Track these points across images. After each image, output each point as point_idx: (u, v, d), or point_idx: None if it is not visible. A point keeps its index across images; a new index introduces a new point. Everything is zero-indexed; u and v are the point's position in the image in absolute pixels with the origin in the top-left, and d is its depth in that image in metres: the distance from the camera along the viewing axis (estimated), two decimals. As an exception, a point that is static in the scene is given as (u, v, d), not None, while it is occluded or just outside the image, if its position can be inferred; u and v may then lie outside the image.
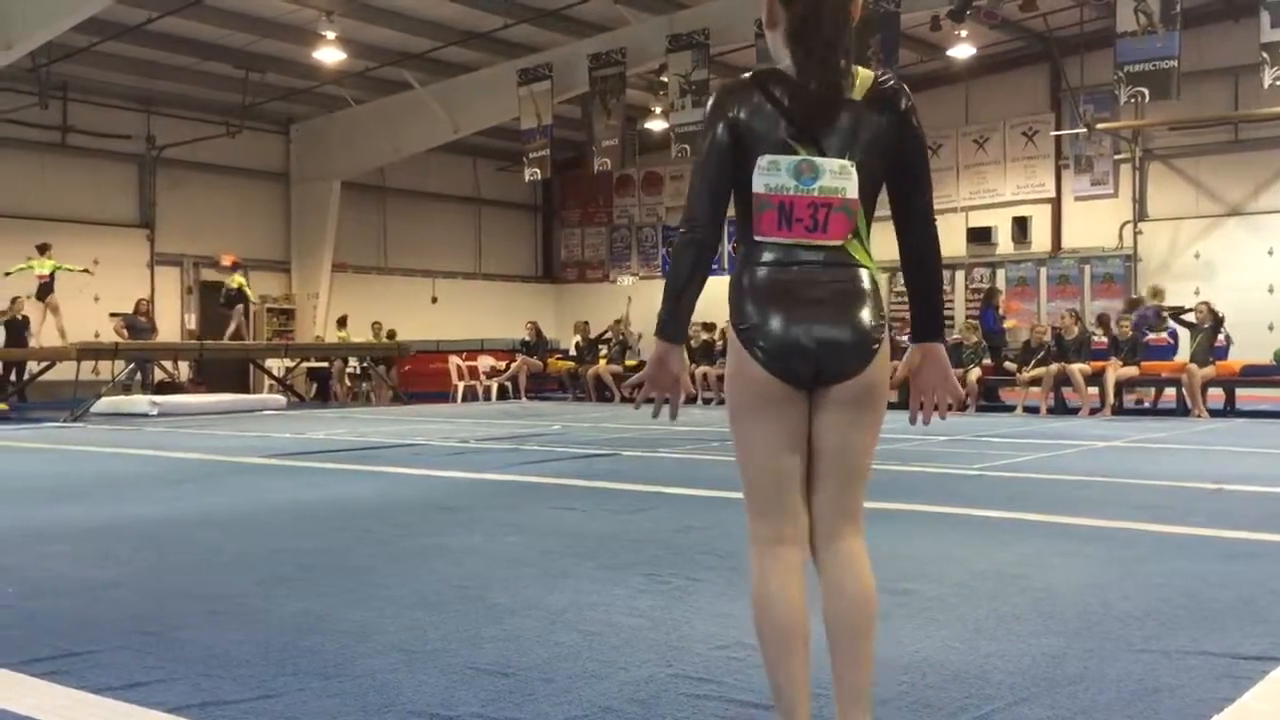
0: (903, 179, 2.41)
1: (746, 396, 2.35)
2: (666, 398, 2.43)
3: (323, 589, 4.22)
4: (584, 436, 11.33)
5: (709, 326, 18.26)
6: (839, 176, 2.29)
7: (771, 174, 2.30)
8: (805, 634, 2.36)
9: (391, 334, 20.64)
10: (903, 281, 2.49)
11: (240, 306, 19.23)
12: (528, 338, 20.19)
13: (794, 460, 2.36)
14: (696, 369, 17.92)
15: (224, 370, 20.44)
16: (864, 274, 2.37)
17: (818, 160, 2.28)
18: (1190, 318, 14.32)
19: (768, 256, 2.34)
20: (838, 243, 2.33)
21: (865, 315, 2.32)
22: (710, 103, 2.40)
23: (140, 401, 15.76)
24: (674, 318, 2.35)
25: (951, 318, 20.41)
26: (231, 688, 2.99)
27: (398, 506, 6.55)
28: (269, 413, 16.29)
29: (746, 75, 2.38)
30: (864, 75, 2.31)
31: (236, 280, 19.55)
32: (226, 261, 21.51)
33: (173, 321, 20.65)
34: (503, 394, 19.74)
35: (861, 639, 2.37)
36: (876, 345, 2.32)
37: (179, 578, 4.48)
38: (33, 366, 17.29)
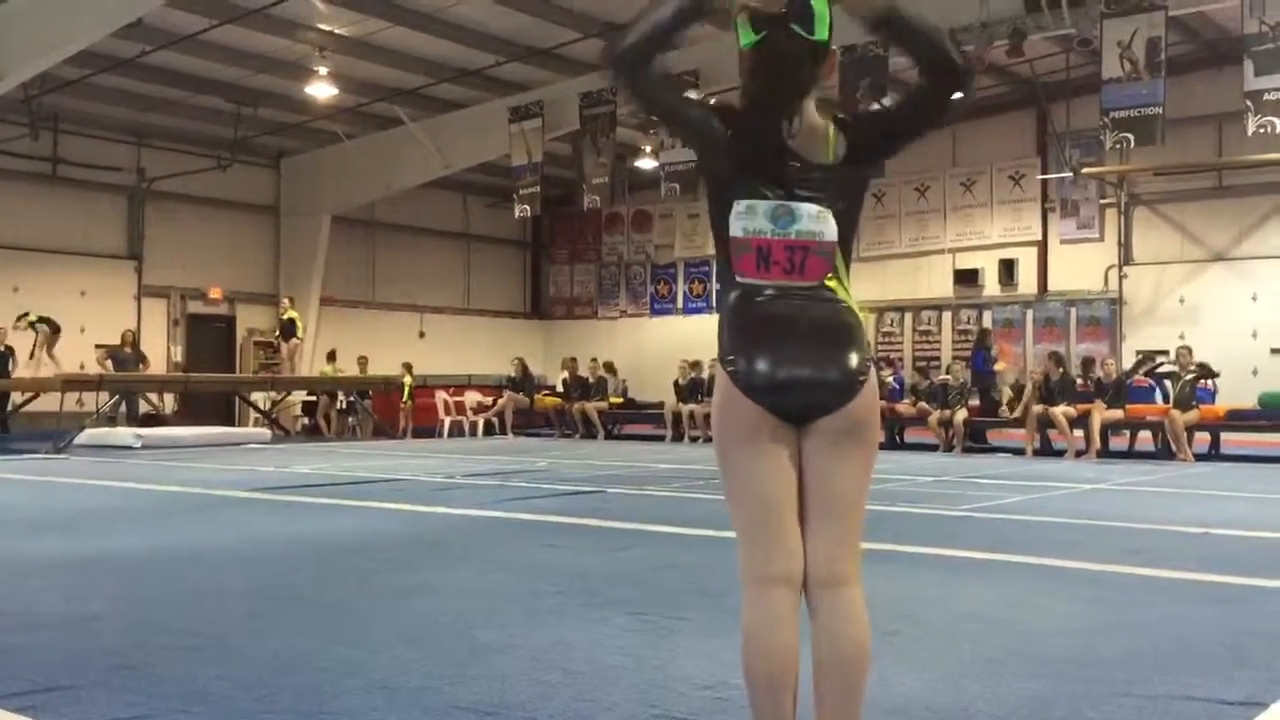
0: (908, 121, 2.48)
1: (734, 430, 2.35)
2: None
3: (305, 625, 4.19)
4: (571, 473, 11.29)
5: (695, 364, 18.29)
6: (816, 220, 2.33)
7: (749, 218, 2.34)
8: (794, 681, 2.36)
9: (408, 366, 20.45)
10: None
11: (295, 340, 19.49)
12: (514, 374, 20.18)
13: (785, 492, 2.35)
14: (684, 407, 17.94)
15: (209, 403, 20.35)
16: (845, 310, 2.39)
17: (794, 205, 2.32)
18: (1167, 368, 14.38)
19: (750, 296, 2.38)
20: (815, 283, 2.36)
21: (849, 351, 2.35)
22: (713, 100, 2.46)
23: (124, 434, 15.67)
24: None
25: (938, 358, 20.49)
26: (211, 724, 2.96)
27: (382, 542, 6.51)
28: (254, 446, 16.20)
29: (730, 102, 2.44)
30: (832, 132, 2.37)
31: (289, 313, 19.71)
32: (214, 295, 21.52)
33: (159, 354, 20.57)
34: (489, 430, 19.70)
35: (852, 696, 2.34)
36: (862, 379, 2.34)
37: (160, 612, 4.44)
38: (16, 397, 17.19)
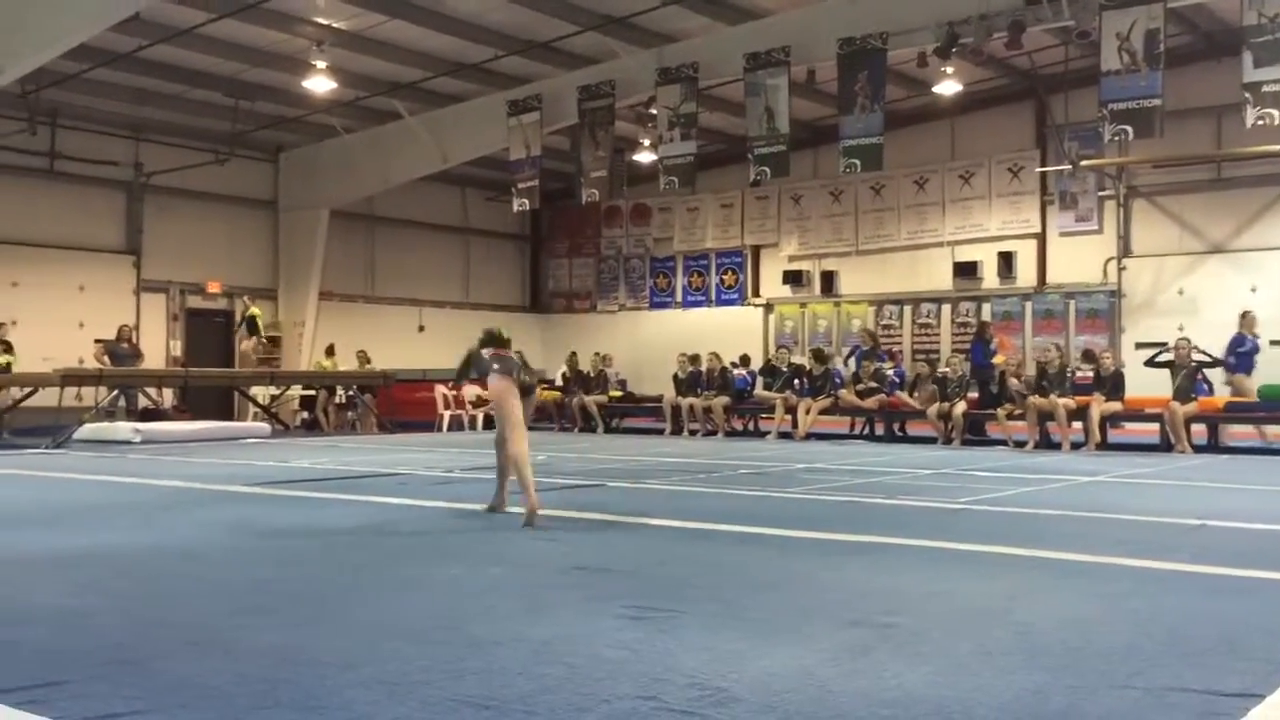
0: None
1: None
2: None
3: (303, 619, 4.20)
4: (569, 467, 11.30)
5: (694, 358, 18.28)
6: (522, 372, 7.37)
7: (498, 373, 7.25)
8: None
9: (366, 359, 20.71)
10: None
11: (255, 339, 19.60)
12: (513, 367, 20.15)
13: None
14: (683, 400, 17.94)
15: (209, 397, 20.35)
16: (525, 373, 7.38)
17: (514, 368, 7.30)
18: (1167, 357, 14.36)
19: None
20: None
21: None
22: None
23: (123, 428, 15.66)
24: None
25: (937, 351, 20.49)
26: (208, 719, 2.96)
27: (380, 536, 6.52)
28: (253, 441, 16.21)
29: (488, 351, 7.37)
30: (515, 352, 7.45)
31: (251, 309, 19.78)
32: (213, 289, 21.51)
33: (158, 348, 20.56)
34: (488, 424, 19.69)
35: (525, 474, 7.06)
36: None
37: (158, 607, 4.45)
38: (15, 392, 17.16)
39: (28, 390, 16.77)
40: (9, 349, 17.07)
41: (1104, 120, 13.82)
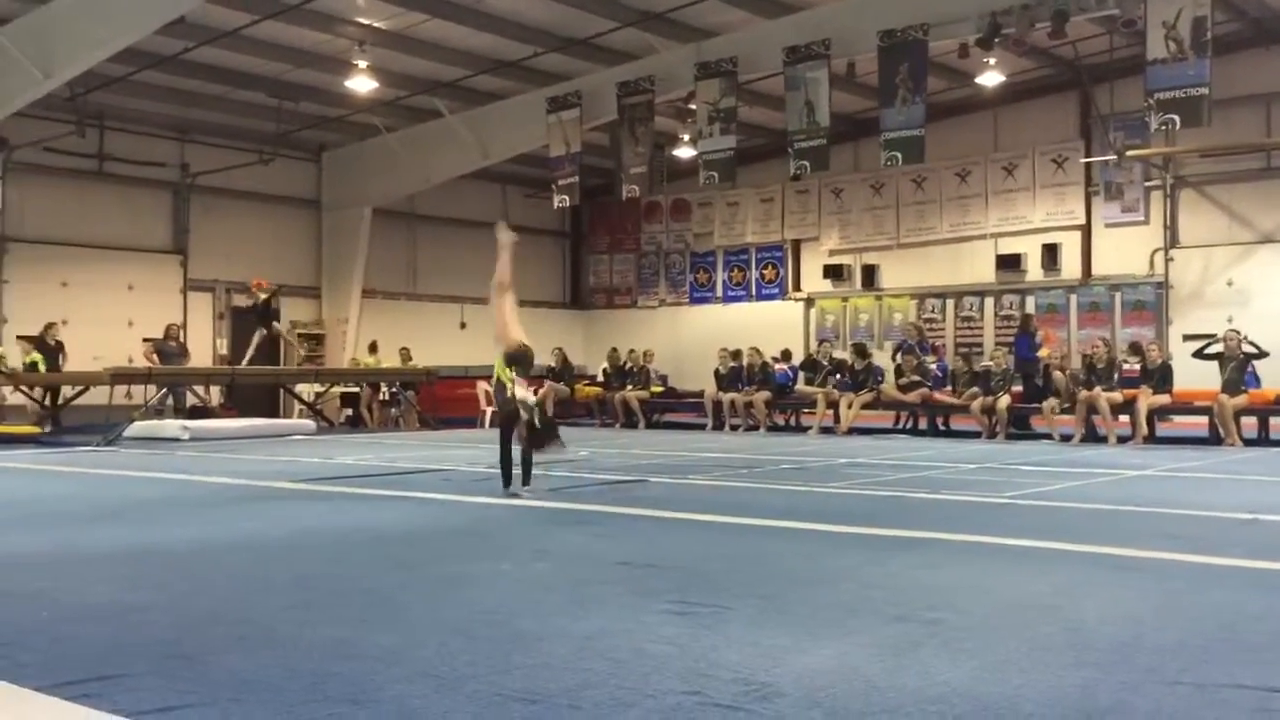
0: None
1: None
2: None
3: (352, 614, 4.24)
4: (612, 462, 11.32)
5: (735, 353, 18.25)
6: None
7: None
8: None
9: (408, 356, 20.82)
10: None
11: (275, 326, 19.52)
12: (554, 364, 20.25)
13: None
14: (725, 395, 17.93)
15: (254, 395, 20.58)
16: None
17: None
18: (1217, 348, 14.14)
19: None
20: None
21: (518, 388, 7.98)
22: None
23: (172, 426, 15.88)
24: None
25: (980, 345, 20.32)
26: (261, 713, 3.01)
27: (426, 532, 6.57)
28: (298, 438, 16.37)
29: None
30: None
31: (263, 294, 19.82)
32: (257, 287, 21.73)
33: (204, 346, 20.82)
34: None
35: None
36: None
37: (210, 602, 4.51)
38: (67, 391, 17.46)
39: (79, 389, 17.04)
40: (45, 348, 17.19)
41: (1150, 109, 13.64)
